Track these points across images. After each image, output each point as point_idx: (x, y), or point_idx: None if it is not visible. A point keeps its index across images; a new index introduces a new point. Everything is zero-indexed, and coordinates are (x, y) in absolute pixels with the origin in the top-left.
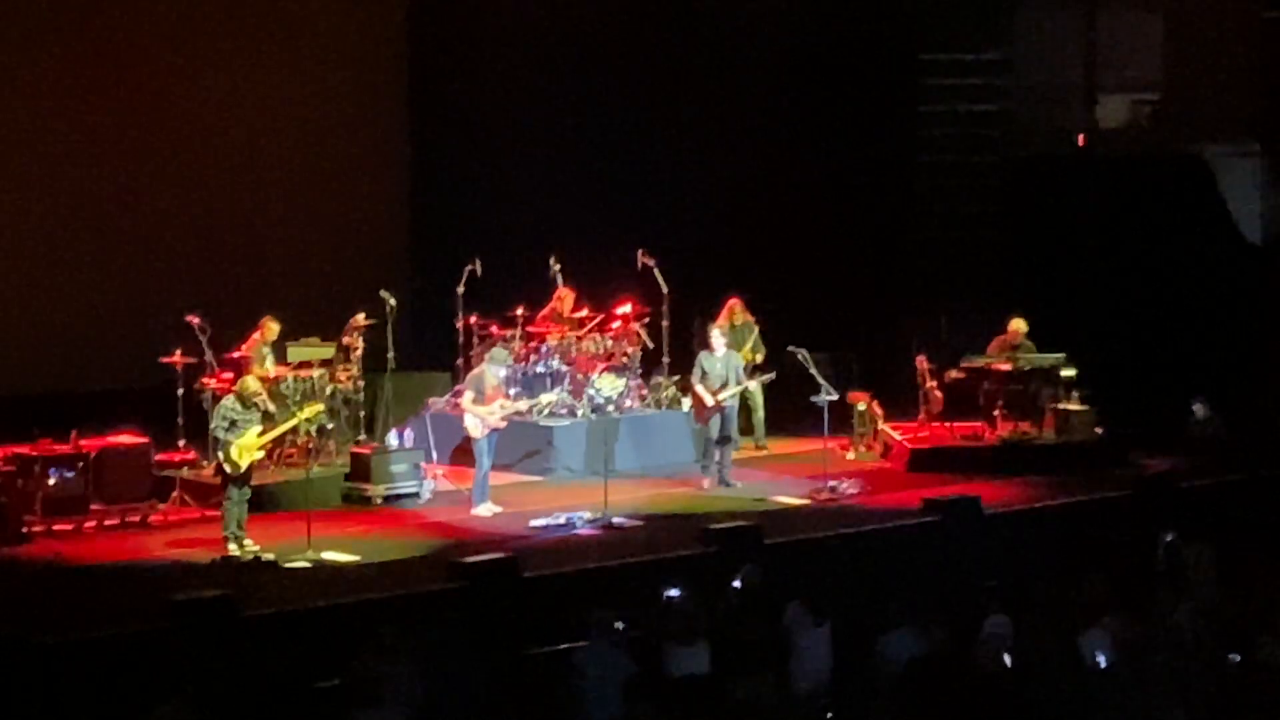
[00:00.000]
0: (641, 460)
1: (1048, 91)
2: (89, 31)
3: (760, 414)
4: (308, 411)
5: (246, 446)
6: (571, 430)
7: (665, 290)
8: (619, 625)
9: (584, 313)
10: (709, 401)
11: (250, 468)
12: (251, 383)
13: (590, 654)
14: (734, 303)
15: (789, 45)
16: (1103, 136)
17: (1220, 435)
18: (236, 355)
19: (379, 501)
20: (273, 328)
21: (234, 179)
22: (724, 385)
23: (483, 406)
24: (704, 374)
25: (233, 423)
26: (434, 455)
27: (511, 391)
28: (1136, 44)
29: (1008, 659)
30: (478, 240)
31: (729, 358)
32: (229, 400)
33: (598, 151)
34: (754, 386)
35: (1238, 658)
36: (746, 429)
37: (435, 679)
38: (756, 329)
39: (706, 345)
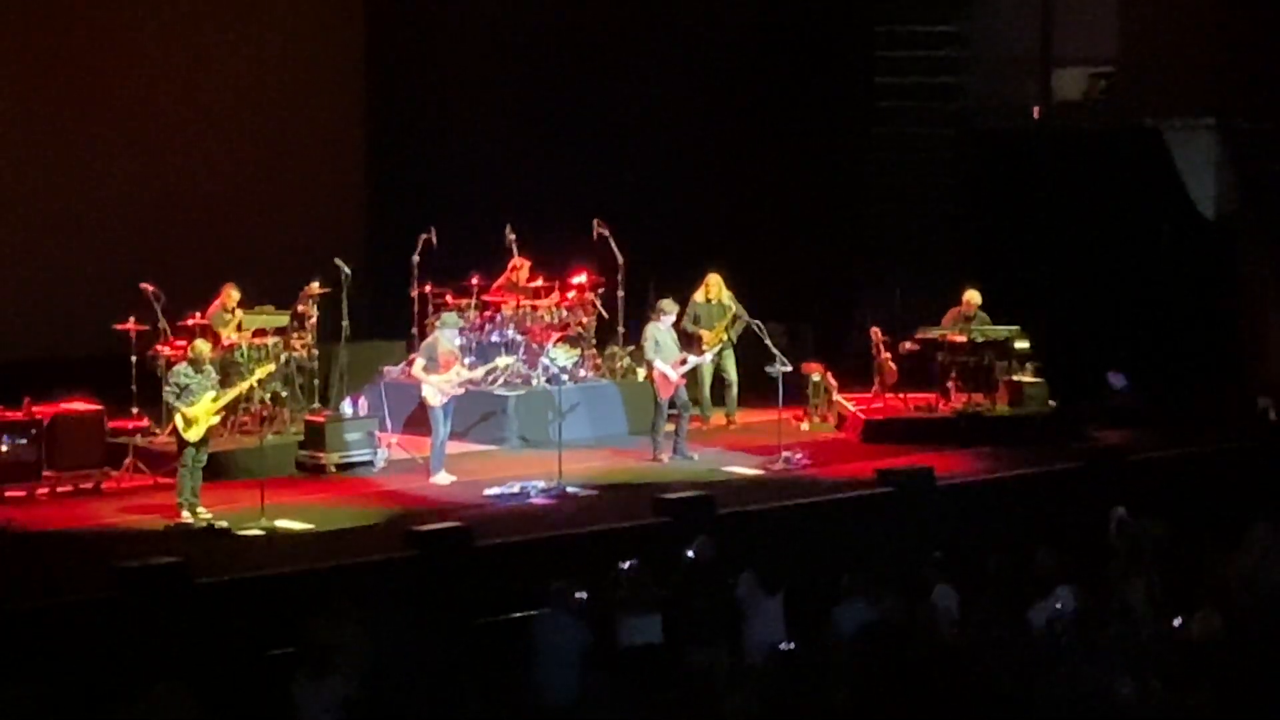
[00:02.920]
0: (595, 430)
1: (1003, 64)
2: (37, 5)
3: (734, 390)
4: (260, 372)
5: (202, 412)
6: (526, 399)
7: (620, 260)
8: (579, 595)
9: (539, 282)
10: (673, 377)
11: (208, 433)
12: (202, 345)
13: (544, 624)
14: (712, 278)
15: (745, 16)
16: (1058, 109)
17: (1138, 406)
18: (193, 322)
19: (333, 470)
20: (234, 295)
21: (189, 146)
22: (678, 359)
23: (437, 374)
24: (658, 345)
25: (185, 388)
26: (388, 424)
27: (466, 360)
28: (1093, 16)
29: (955, 629)
30: (433, 209)
31: (671, 329)
32: (181, 366)
33: (554, 121)
34: (708, 359)
35: (1179, 622)
36: (719, 400)
37: (388, 648)
38: (731, 314)
39: (657, 316)
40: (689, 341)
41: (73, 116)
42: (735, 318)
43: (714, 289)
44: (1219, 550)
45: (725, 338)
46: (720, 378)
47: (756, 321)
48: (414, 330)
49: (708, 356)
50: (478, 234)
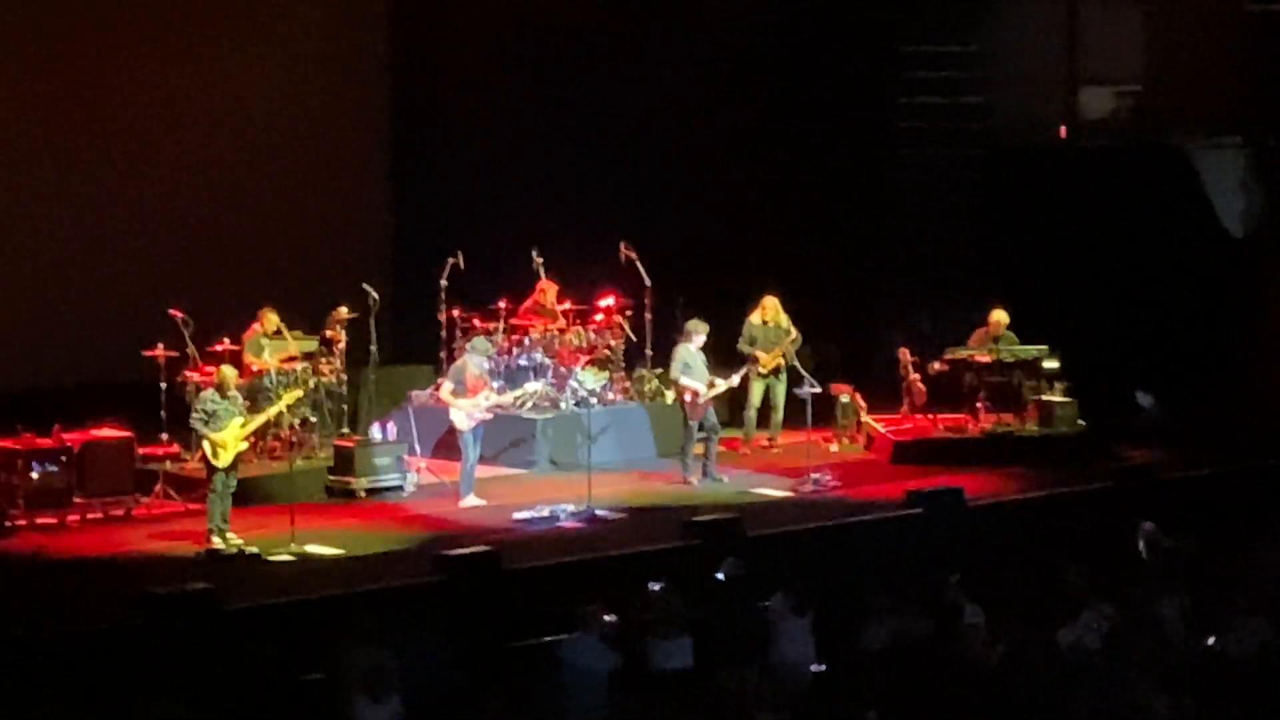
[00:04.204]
0: (624, 453)
1: (1028, 83)
2: (69, 27)
3: (779, 414)
4: (288, 398)
5: (230, 438)
6: (555, 423)
7: (648, 283)
8: (609, 618)
9: (567, 306)
10: (704, 397)
11: (237, 459)
12: (228, 371)
13: (574, 646)
14: (769, 300)
15: (769, 38)
16: (1084, 128)
17: (1167, 424)
18: (222, 348)
19: (362, 494)
20: (272, 318)
21: (216, 172)
22: (708, 381)
23: (466, 399)
24: (687, 366)
25: (212, 414)
26: (417, 448)
27: (495, 384)
28: (1118, 35)
29: (987, 648)
30: (460, 233)
31: (701, 350)
32: (208, 392)
33: (580, 144)
34: (736, 381)
35: (1212, 640)
36: (762, 423)
37: (418, 672)
38: (791, 337)
39: (686, 337)
40: (744, 364)
41: (101, 144)
42: (794, 341)
43: (770, 311)
44: (1249, 567)
45: (782, 361)
46: (768, 400)
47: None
48: (442, 354)
49: (735, 379)
50: (505, 257)
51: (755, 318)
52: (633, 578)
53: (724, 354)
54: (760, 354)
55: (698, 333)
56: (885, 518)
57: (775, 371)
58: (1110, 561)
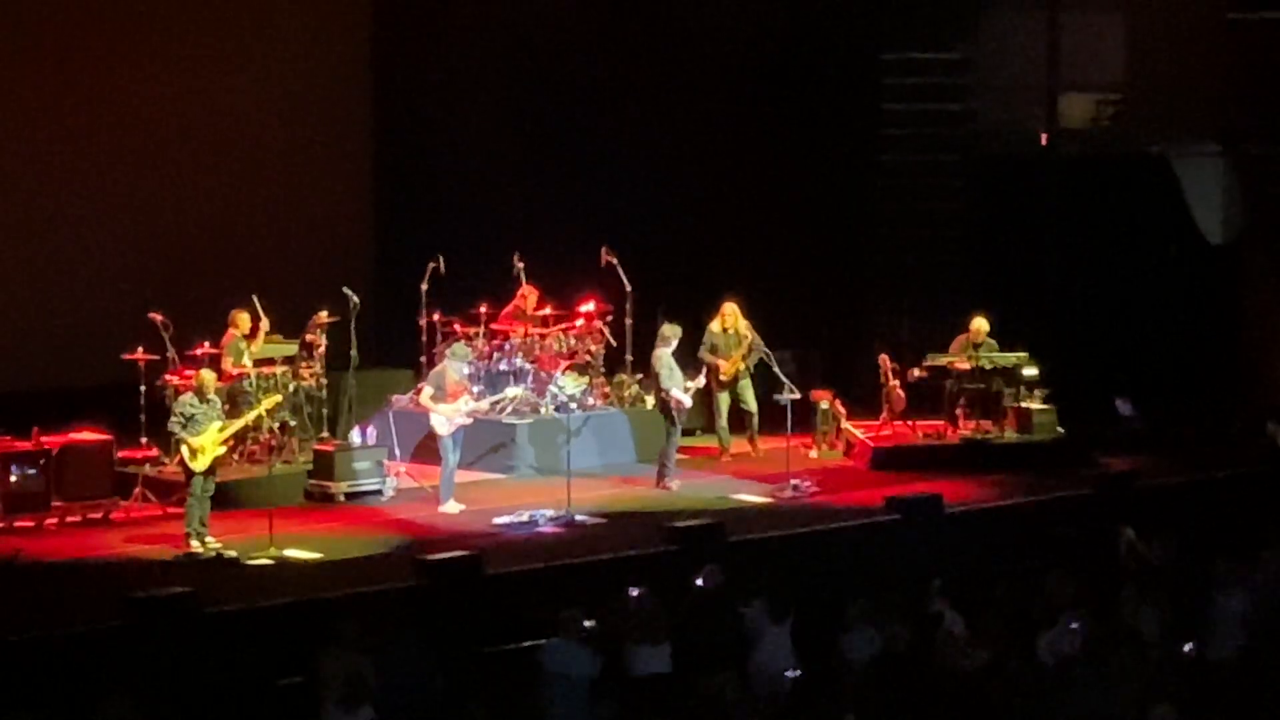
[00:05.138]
0: (604, 458)
1: (1010, 91)
2: (50, 30)
3: (755, 419)
4: (267, 402)
5: (209, 442)
6: (535, 428)
7: (628, 288)
8: (589, 624)
9: (547, 311)
10: (687, 402)
11: (215, 463)
12: (207, 375)
13: (554, 652)
14: (728, 307)
15: (752, 44)
16: (1065, 136)
17: (1146, 432)
18: (201, 352)
19: (342, 499)
20: (244, 318)
21: (197, 177)
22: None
23: (446, 404)
24: (671, 371)
25: (191, 418)
26: (397, 452)
27: (475, 389)
28: (1099, 43)
29: (966, 655)
30: (441, 237)
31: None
32: (187, 396)
33: (561, 149)
34: (702, 382)
35: (1190, 646)
36: (738, 429)
37: (397, 677)
38: (748, 342)
39: (664, 342)
40: (705, 371)
41: (81, 148)
42: (751, 347)
43: (730, 318)
44: (1229, 575)
45: (742, 367)
46: (739, 407)
47: (765, 349)
48: (422, 358)
49: (701, 380)
50: (486, 262)
51: (715, 325)
52: (612, 583)
53: (694, 361)
54: (721, 363)
55: (675, 336)
56: (864, 524)
57: (736, 378)
58: (1090, 568)
